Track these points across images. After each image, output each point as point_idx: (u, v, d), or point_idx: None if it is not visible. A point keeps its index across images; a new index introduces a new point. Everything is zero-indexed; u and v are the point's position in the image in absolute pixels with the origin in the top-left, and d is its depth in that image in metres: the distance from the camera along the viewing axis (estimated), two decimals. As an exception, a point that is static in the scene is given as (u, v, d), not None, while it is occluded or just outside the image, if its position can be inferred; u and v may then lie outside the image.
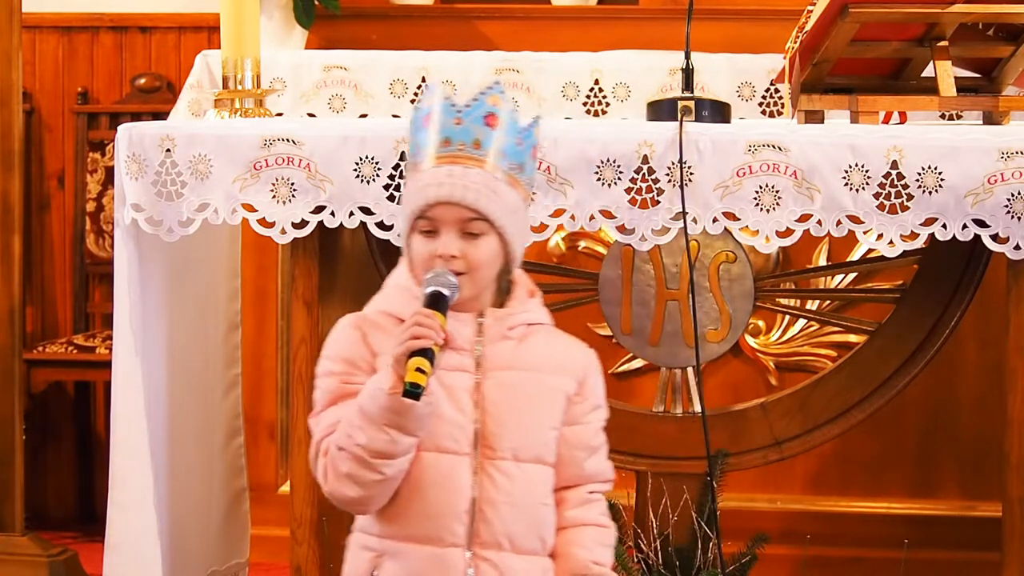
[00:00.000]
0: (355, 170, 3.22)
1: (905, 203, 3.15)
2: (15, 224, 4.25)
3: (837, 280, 4.47)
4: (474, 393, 2.58)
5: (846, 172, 3.15)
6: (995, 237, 3.15)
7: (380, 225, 3.24)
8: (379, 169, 3.23)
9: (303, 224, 3.26)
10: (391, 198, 3.22)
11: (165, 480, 3.45)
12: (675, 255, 3.52)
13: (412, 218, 2.58)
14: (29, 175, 5.18)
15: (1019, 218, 3.13)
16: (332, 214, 3.24)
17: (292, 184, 3.24)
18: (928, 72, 3.45)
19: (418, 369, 2.45)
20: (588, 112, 4.47)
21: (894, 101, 3.48)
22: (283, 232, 3.27)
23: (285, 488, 4.55)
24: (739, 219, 3.18)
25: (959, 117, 4.10)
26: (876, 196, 3.15)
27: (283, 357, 4.70)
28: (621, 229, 3.22)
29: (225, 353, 3.79)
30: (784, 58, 3.51)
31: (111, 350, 3.43)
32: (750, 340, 4.51)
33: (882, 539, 4.34)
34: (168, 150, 3.26)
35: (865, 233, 3.18)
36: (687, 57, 3.49)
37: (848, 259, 4.41)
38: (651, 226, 3.19)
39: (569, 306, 3.67)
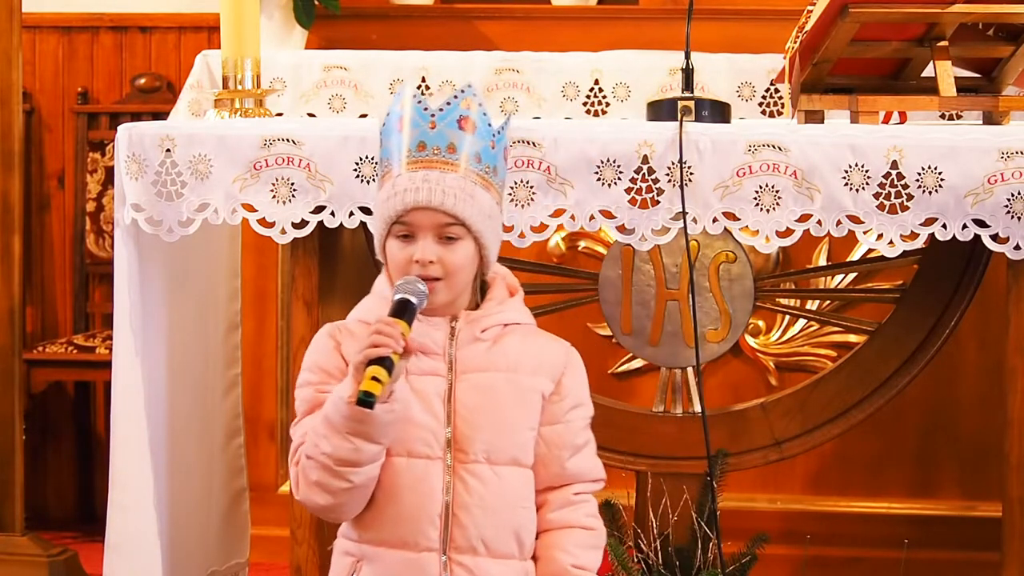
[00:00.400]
0: (355, 170, 3.22)
1: (905, 203, 3.15)
2: (15, 224, 4.25)
3: (837, 280, 4.47)
4: (447, 397, 2.58)
5: (846, 172, 3.15)
6: (995, 237, 3.15)
7: (380, 225, 3.24)
8: (379, 169, 3.22)
9: (303, 224, 3.26)
10: (391, 198, 3.22)
11: (165, 480, 3.45)
12: (675, 255, 3.52)
13: (388, 223, 2.58)
14: (29, 175, 5.18)
15: (1019, 218, 3.13)
16: (332, 214, 3.24)
17: (292, 184, 3.24)
18: (928, 72, 3.45)
19: (373, 378, 2.44)
20: (588, 112, 4.47)
21: (894, 101, 3.48)
22: (283, 232, 3.26)
23: (285, 488, 4.56)
24: (739, 219, 3.18)
25: (959, 117, 4.10)
26: (876, 196, 3.15)
27: (283, 357, 4.71)
28: (621, 229, 3.22)
29: (225, 353, 3.79)
30: (784, 58, 3.51)
31: (111, 350, 3.43)
32: (750, 340, 4.51)
33: (882, 539, 4.34)
34: (168, 150, 3.26)
35: (865, 233, 3.18)
36: (687, 57, 3.49)
37: (848, 259, 4.41)
38: (651, 226, 3.19)
39: (569, 306, 3.68)
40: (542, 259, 4.38)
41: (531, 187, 3.17)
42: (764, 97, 4.43)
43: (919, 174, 3.14)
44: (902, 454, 4.50)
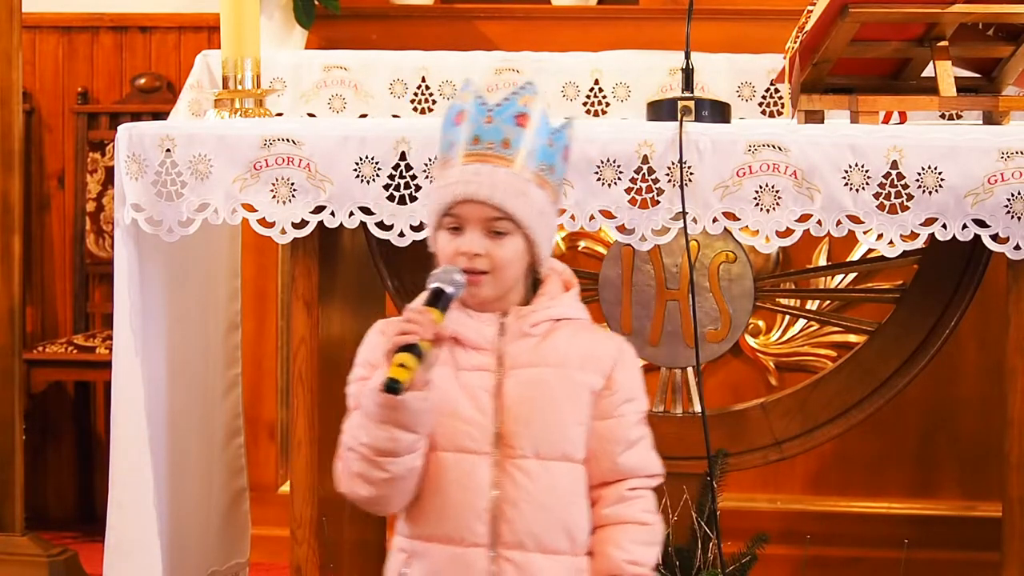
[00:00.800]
0: (355, 170, 3.22)
1: (905, 203, 3.15)
2: (15, 224, 4.26)
3: (837, 280, 4.47)
4: (495, 392, 2.58)
5: (846, 172, 3.15)
6: (995, 237, 3.15)
7: (380, 225, 3.24)
8: (379, 169, 3.23)
9: (303, 224, 3.26)
10: (391, 198, 3.22)
11: (165, 480, 3.45)
12: (675, 255, 3.52)
13: (438, 214, 2.58)
14: (29, 175, 5.18)
15: (1019, 218, 3.13)
16: (332, 214, 3.24)
17: (292, 184, 3.24)
18: (928, 72, 3.45)
19: (400, 364, 2.44)
20: (588, 112, 4.47)
21: (894, 101, 3.48)
22: (283, 232, 3.27)
23: (285, 488, 4.56)
24: (739, 219, 3.18)
25: (959, 117, 4.10)
26: (876, 196, 3.15)
27: (283, 357, 4.71)
28: (621, 229, 3.21)
29: (225, 353, 3.79)
30: (784, 58, 3.51)
31: (111, 350, 3.43)
32: (750, 340, 4.51)
33: (882, 539, 4.34)
34: (168, 150, 3.26)
35: (865, 233, 3.18)
36: (687, 57, 3.49)
37: (848, 259, 4.41)
38: (651, 226, 3.19)
39: (569, 306, 3.67)
40: (542, 259, 4.37)
41: (531, 187, 3.16)
42: (764, 97, 4.43)
43: (919, 174, 3.14)
44: (902, 454, 4.50)
